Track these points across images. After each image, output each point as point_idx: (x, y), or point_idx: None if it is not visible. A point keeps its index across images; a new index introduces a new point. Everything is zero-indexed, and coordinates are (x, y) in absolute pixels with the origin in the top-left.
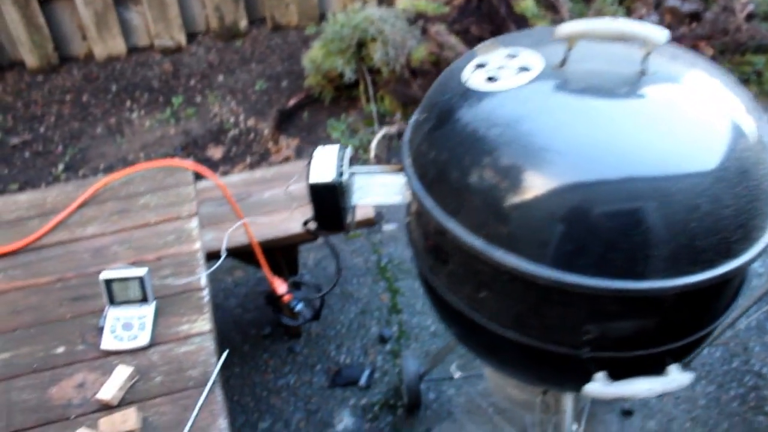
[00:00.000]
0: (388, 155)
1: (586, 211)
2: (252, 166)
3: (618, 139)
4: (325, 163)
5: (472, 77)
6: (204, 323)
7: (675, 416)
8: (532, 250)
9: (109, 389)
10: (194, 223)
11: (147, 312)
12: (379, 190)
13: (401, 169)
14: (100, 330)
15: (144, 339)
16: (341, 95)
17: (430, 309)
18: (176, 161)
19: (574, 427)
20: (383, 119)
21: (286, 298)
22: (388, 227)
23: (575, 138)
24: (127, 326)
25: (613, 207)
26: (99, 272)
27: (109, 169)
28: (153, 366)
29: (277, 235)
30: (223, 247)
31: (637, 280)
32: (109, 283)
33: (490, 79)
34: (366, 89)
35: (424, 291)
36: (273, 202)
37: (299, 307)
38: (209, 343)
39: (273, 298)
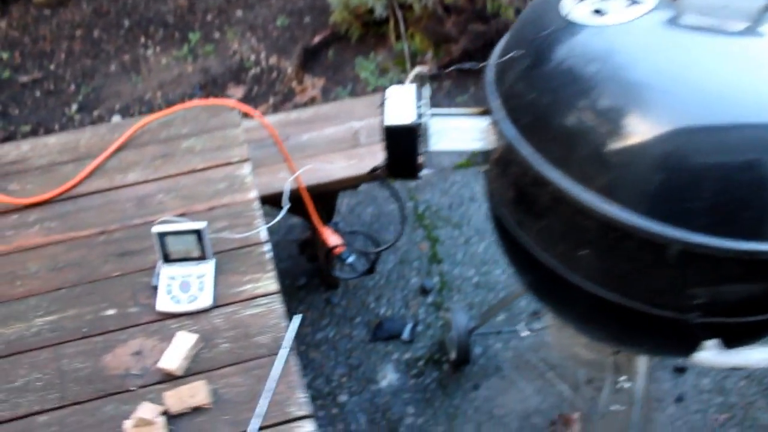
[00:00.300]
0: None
1: (720, 163)
2: (275, 107)
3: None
4: (402, 104)
5: (575, 10)
6: (269, 282)
7: (729, 374)
8: (650, 206)
9: (173, 358)
10: (247, 168)
11: (206, 270)
12: (457, 134)
13: (485, 112)
14: (154, 290)
15: (205, 300)
16: (369, 32)
17: (473, 260)
18: (220, 100)
19: (626, 383)
20: (414, 59)
21: (338, 249)
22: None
23: (708, 78)
24: (184, 286)
25: (749, 157)
26: (144, 224)
27: (126, 110)
28: (217, 331)
29: (321, 181)
30: (285, 195)
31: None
32: (162, 237)
33: (597, 12)
34: (396, 26)
35: (503, 246)
36: (312, 146)
37: (351, 259)
38: (278, 306)
39: (314, 249)
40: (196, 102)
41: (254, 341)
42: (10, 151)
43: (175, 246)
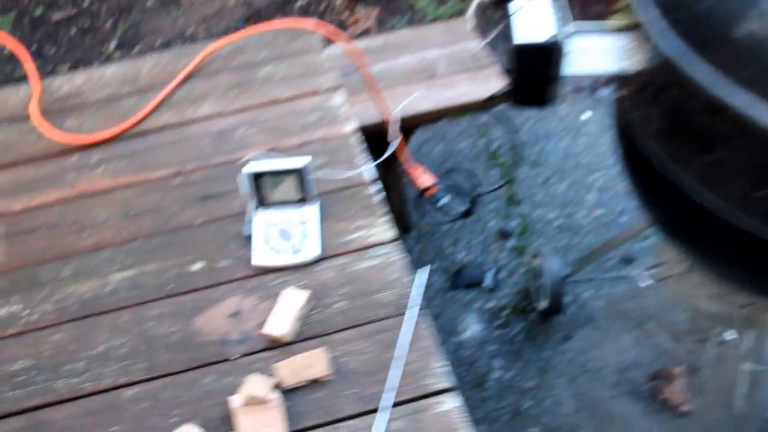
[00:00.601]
0: (486, 28)
1: None
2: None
3: None
4: (536, 20)
5: None
6: (384, 229)
7: None
8: None
9: (281, 321)
10: (340, 97)
11: (309, 215)
12: (595, 55)
13: (635, 27)
14: (247, 240)
15: (311, 251)
16: None
17: (554, 201)
18: (298, 21)
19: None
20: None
21: (432, 190)
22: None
23: None
24: (284, 234)
25: None
26: (226, 163)
27: (167, 45)
28: (328, 287)
29: (419, 111)
30: (394, 125)
31: None
32: (257, 178)
33: None
34: None
35: (641, 184)
36: (385, 78)
37: (445, 200)
38: (397, 257)
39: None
40: (270, 24)
41: (374, 299)
42: (62, 84)
43: (272, 188)
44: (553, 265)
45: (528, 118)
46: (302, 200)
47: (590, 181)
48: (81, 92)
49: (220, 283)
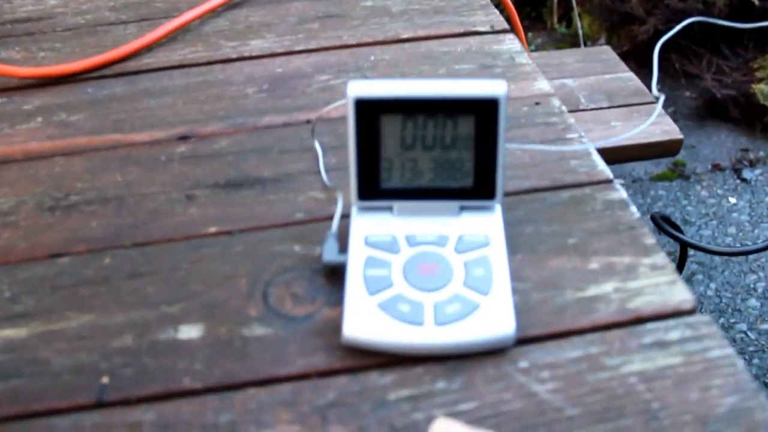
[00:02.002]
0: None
1: None
2: None
3: None
4: None
5: None
6: (666, 282)
7: None
8: None
9: None
10: (516, 44)
11: (492, 234)
12: None
13: None
14: (329, 275)
15: (492, 321)
16: (522, 11)
17: (702, 308)
18: None
19: None
20: (584, 44)
21: None
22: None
23: None
24: (429, 272)
25: None
26: (284, 125)
27: None
28: (541, 424)
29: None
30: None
31: None
32: (372, 119)
33: None
34: (560, 2)
35: None
36: None
37: None
38: (718, 351)
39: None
40: None
41: None
42: (25, 2)
43: (407, 153)
44: None
45: (658, 197)
46: (481, 193)
47: (747, 283)
48: (52, 15)
49: (243, 385)
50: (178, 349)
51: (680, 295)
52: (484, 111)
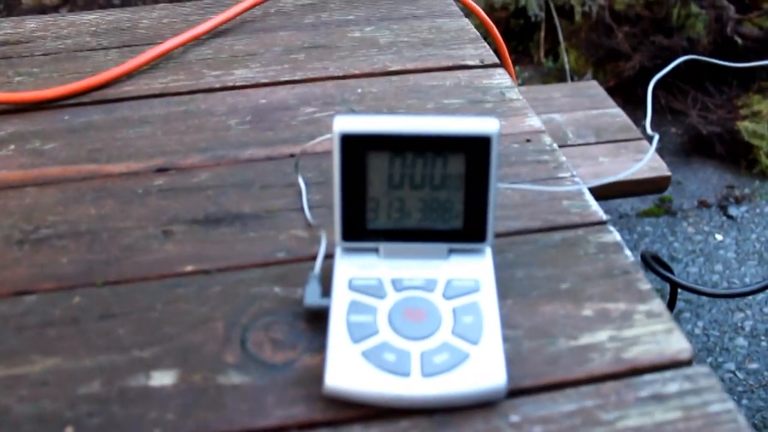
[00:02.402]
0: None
1: None
2: None
3: None
4: None
5: None
6: (663, 332)
7: None
8: None
9: None
10: (507, 79)
11: (483, 279)
12: None
13: None
14: (311, 319)
15: (481, 372)
16: (508, 44)
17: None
18: None
19: None
20: (570, 78)
21: None
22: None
23: None
24: (414, 317)
25: None
26: (266, 159)
27: None
28: None
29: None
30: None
31: None
32: (359, 154)
33: None
34: (547, 37)
35: None
36: None
37: None
38: (719, 406)
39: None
40: None
41: None
42: (5, 27)
43: (395, 191)
44: None
45: (645, 234)
46: (471, 235)
47: (735, 322)
48: (31, 39)
49: None
50: (150, 397)
51: (677, 344)
52: (476, 149)
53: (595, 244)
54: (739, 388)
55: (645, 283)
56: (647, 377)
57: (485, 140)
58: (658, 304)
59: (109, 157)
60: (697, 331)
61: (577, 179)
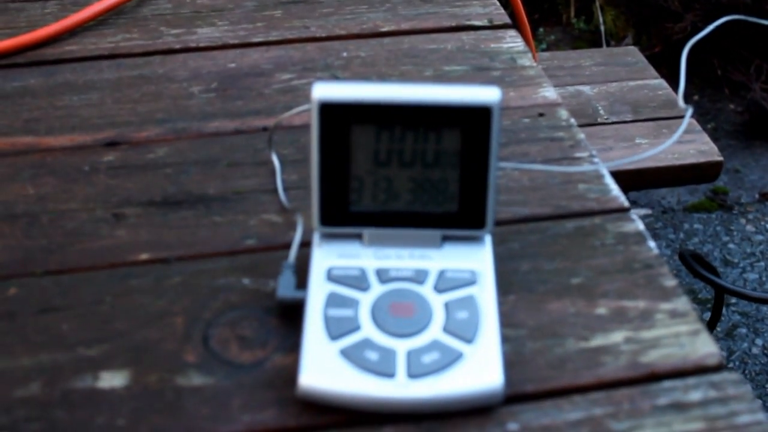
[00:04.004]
0: None
1: None
2: None
3: None
4: None
5: None
6: (691, 333)
7: None
8: None
9: None
10: (520, 43)
11: (482, 272)
12: None
13: None
14: (283, 315)
15: (474, 373)
16: (529, 1)
17: (757, 361)
18: None
19: None
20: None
21: None
22: (638, 211)
23: None
24: (402, 312)
25: None
26: (235, 132)
27: None
28: None
29: None
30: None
31: None
32: (340, 128)
33: None
34: None
35: None
36: None
37: None
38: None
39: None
40: None
41: None
42: None
43: (381, 170)
44: None
45: (693, 232)
46: (467, 221)
47: None
48: None
49: None
50: (98, 400)
51: (704, 347)
52: (473, 122)
53: (613, 234)
54: None
55: (670, 278)
56: (667, 384)
57: (484, 112)
58: (683, 303)
59: (49, 128)
60: (755, 350)
61: (596, 160)
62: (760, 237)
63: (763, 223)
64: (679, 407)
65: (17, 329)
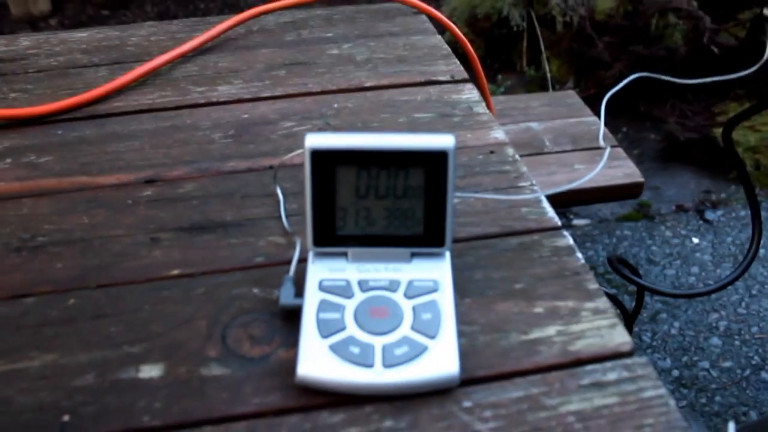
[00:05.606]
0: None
1: None
2: None
3: None
4: None
5: None
6: (607, 326)
7: None
8: None
9: None
10: (475, 94)
11: (441, 280)
12: None
13: None
14: (286, 318)
15: (437, 361)
16: (491, 54)
17: (666, 346)
18: None
19: None
20: (552, 87)
21: None
22: (576, 221)
23: None
24: (379, 315)
25: None
26: (248, 171)
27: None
28: None
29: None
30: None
31: None
32: (328, 169)
33: None
34: (530, 47)
35: None
36: None
37: None
38: (653, 391)
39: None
40: None
41: None
42: None
43: (360, 200)
44: None
45: (623, 237)
46: (431, 241)
47: (710, 322)
48: (25, 56)
49: (199, 423)
50: (139, 388)
51: (619, 338)
52: (434, 163)
53: (549, 248)
54: (713, 386)
55: (593, 283)
56: (589, 367)
57: (442, 155)
58: (603, 302)
59: (101, 169)
60: (674, 331)
61: (536, 188)
62: (676, 240)
63: (678, 229)
64: (599, 385)
65: (75, 332)
